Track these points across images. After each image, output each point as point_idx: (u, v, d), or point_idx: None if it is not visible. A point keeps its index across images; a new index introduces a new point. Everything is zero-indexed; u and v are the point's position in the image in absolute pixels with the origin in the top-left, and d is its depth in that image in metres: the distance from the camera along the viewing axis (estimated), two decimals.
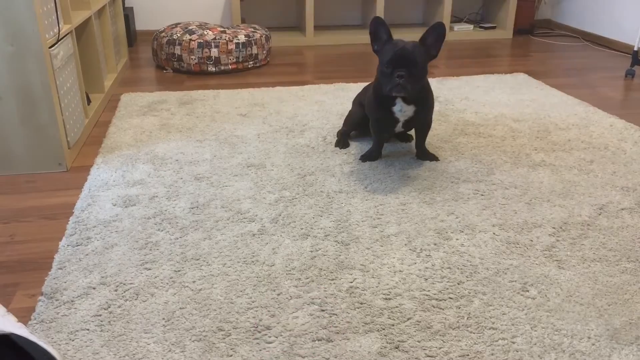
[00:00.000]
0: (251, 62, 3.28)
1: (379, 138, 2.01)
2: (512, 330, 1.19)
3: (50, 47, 1.86)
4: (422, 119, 1.95)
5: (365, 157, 2.01)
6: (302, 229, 1.57)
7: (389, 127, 1.96)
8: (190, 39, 3.12)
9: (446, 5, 4.04)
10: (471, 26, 4.23)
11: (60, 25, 2.00)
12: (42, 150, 1.92)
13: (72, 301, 1.27)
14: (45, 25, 1.84)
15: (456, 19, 4.39)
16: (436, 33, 1.78)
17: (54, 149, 1.92)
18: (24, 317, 1.23)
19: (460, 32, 4.17)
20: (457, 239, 1.52)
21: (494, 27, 4.26)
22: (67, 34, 2.09)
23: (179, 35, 3.15)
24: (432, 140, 2.17)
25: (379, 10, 3.96)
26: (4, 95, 1.82)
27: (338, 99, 2.69)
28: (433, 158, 2.02)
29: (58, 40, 1.96)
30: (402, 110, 1.87)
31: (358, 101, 2.15)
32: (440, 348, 1.14)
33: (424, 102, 1.89)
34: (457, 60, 3.55)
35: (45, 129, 1.89)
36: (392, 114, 1.88)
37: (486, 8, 4.46)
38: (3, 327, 0.99)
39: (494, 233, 1.55)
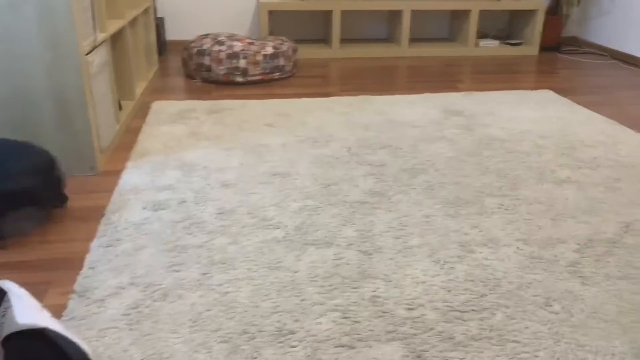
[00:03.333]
0: (278, 74, 3.33)
1: None
2: (535, 344, 1.19)
3: (86, 55, 1.93)
4: None
5: None
6: (325, 237, 1.59)
7: None
8: (220, 50, 3.18)
9: (472, 20, 4.05)
10: (497, 42, 4.23)
11: (96, 34, 2.07)
12: (74, 154, 1.98)
13: (102, 300, 1.31)
14: (83, 34, 1.91)
15: (482, 34, 4.40)
16: None
17: (87, 153, 1.98)
18: (55, 314, 1.27)
19: (486, 48, 4.17)
20: (480, 252, 1.53)
21: (520, 44, 4.26)
22: (103, 42, 2.15)
23: (208, 46, 3.22)
24: (458, 154, 2.18)
25: (405, 25, 3.99)
26: (42, 100, 1.88)
27: (363, 111, 2.72)
28: None
29: (94, 48, 2.02)
30: None
31: None
32: (463, 359, 1.15)
33: None
34: (482, 75, 3.56)
35: (79, 133, 1.95)
36: None
37: (513, 24, 4.46)
38: (39, 322, 1.03)
39: (517, 247, 1.55)
